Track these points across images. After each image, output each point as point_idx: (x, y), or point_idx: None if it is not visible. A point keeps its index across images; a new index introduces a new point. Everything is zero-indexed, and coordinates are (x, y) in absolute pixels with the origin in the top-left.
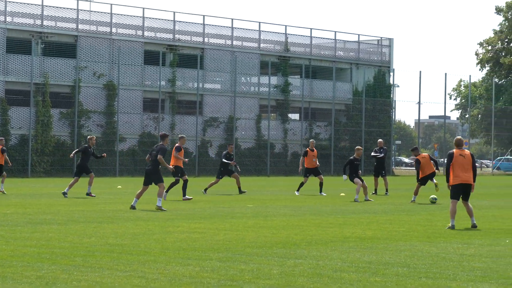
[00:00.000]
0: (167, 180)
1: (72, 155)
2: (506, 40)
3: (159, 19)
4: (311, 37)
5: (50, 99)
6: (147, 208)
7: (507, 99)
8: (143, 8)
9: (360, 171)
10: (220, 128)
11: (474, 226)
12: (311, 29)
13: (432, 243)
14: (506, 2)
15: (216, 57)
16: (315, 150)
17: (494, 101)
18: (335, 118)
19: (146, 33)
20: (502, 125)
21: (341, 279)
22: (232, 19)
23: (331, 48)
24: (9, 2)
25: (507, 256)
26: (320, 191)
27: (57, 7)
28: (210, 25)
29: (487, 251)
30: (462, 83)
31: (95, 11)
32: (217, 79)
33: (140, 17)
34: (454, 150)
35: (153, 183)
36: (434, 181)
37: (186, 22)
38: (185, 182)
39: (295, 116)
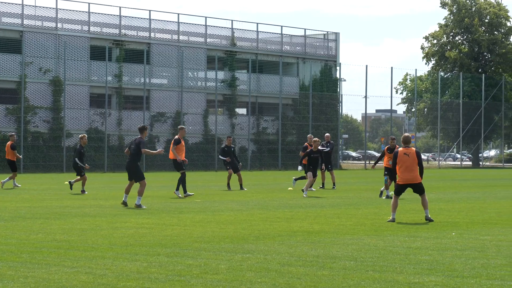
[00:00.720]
0: (171, 176)
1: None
2: (452, 34)
3: (105, 14)
4: (257, 31)
5: None
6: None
7: (452, 93)
8: (89, 3)
9: (322, 164)
10: (167, 123)
11: (427, 219)
12: (257, 23)
13: (379, 237)
14: None
15: (162, 52)
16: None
17: (440, 94)
18: (282, 113)
19: (92, 28)
20: (448, 118)
21: (288, 273)
22: (178, 14)
23: (278, 42)
24: None
25: (453, 249)
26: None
27: (1, 2)
28: (156, 20)
29: (433, 244)
30: (408, 77)
31: (40, 6)
32: (164, 74)
33: (86, 12)
34: (400, 148)
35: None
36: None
37: (132, 17)
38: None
39: (242, 110)
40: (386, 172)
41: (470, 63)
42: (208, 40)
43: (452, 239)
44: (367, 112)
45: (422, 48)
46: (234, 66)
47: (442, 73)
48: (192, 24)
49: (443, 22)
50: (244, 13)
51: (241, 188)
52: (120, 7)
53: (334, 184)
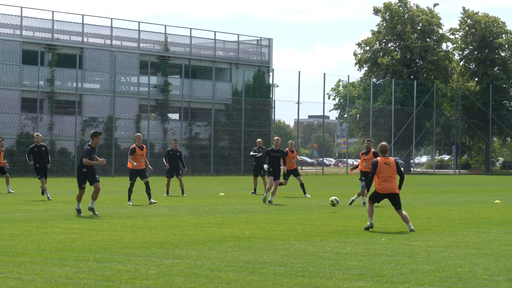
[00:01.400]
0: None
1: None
2: (384, 40)
3: (37, 18)
4: (190, 37)
5: None
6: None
7: (384, 99)
8: (21, 7)
9: (283, 166)
10: (99, 128)
11: (411, 231)
12: (190, 29)
13: (309, 242)
14: (384, 3)
15: (95, 56)
16: (295, 150)
17: (372, 101)
18: (215, 118)
19: (24, 33)
20: (380, 124)
21: (218, 278)
22: (111, 19)
23: (211, 48)
24: None
25: (382, 255)
26: (304, 193)
27: None
28: (89, 24)
29: (363, 250)
30: (340, 83)
31: None
32: (97, 78)
33: (18, 16)
34: (378, 158)
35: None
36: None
37: (65, 22)
38: (147, 183)
39: (175, 116)
40: (363, 178)
41: (402, 70)
42: (141, 45)
43: (382, 245)
44: (300, 118)
45: (355, 54)
46: (167, 71)
47: (374, 80)
48: (125, 29)
49: (375, 29)
50: (177, 18)
51: (182, 193)
52: (52, 12)
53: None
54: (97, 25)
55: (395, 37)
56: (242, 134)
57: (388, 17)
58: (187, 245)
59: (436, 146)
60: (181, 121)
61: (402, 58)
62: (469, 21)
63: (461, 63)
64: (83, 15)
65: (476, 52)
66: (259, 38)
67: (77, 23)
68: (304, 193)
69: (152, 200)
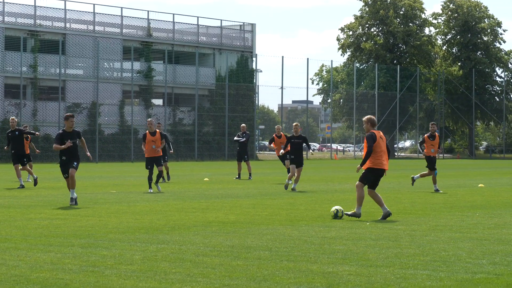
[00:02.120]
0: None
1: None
2: (367, 25)
3: (19, 4)
4: (173, 22)
5: None
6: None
7: (368, 84)
8: None
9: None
10: (83, 114)
11: (388, 214)
12: (173, 14)
13: (294, 227)
14: None
15: (78, 42)
16: (283, 135)
17: (356, 85)
18: (199, 103)
19: (6, 19)
20: (363, 109)
21: (203, 263)
22: (94, 4)
23: (194, 33)
24: None
25: (367, 239)
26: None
27: None
28: (71, 10)
29: (347, 234)
30: (324, 68)
31: None
32: (80, 64)
33: (0, 2)
34: (374, 131)
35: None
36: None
37: (48, 8)
38: (160, 172)
39: (158, 101)
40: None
41: (385, 55)
42: (124, 30)
43: (366, 229)
44: (284, 103)
45: (338, 39)
46: (150, 57)
47: (357, 64)
48: (108, 14)
49: (358, 13)
50: (160, 4)
51: (168, 178)
52: None
53: (250, 174)
54: (80, 11)
55: (378, 22)
56: (226, 119)
57: (371, 2)
58: (171, 230)
59: (420, 130)
60: (164, 107)
61: (385, 43)
62: (451, 5)
63: (444, 47)
64: (65, 1)
65: (458, 37)
66: (242, 23)
67: (60, 8)
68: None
69: (158, 186)
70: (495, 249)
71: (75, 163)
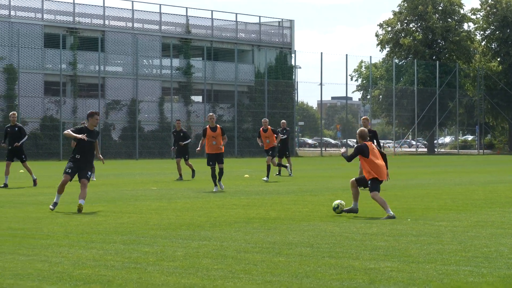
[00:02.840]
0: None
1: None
2: (406, 21)
3: (58, 1)
4: (212, 19)
5: None
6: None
7: (407, 80)
8: None
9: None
10: (123, 111)
11: (391, 217)
12: (212, 11)
13: (335, 223)
14: None
15: (117, 39)
16: (269, 128)
17: (395, 81)
18: (238, 100)
19: (45, 16)
20: (402, 105)
21: (245, 259)
22: (132, 1)
23: (233, 30)
24: None
25: (408, 235)
26: (267, 176)
27: None
28: (110, 7)
29: (389, 230)
30: (363, 64)
31: None
32: (119, 61)
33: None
34: (366, 142)
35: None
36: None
37: (86, 5)
38: (221, 170)
39: (198, 98)
40: None
41: (424, 50)
42: (162, 27)
43: (408, 225)
44: (323, 99)
45: (377, 35)
46: (189, 54)
47: (396, 60)
48: (147, 11)
49: (397, 9)
50: (198, 1)
51: (192, 175)
52: None
53: (291, 171)
54: (119, 8)
55: (416, 17)
56: (266, 115)
57: None
58: (213, 227)
59: (460, 126)
60: (204, 103)
61: (424, 38)
62: (490, 1)
63: (483, 43)
64: None
65: (497, 32)
66: (281, 20)
67: (99, 6)
68: (267, 176)
69: (221, 184)
70: None
71: (89, 173)
